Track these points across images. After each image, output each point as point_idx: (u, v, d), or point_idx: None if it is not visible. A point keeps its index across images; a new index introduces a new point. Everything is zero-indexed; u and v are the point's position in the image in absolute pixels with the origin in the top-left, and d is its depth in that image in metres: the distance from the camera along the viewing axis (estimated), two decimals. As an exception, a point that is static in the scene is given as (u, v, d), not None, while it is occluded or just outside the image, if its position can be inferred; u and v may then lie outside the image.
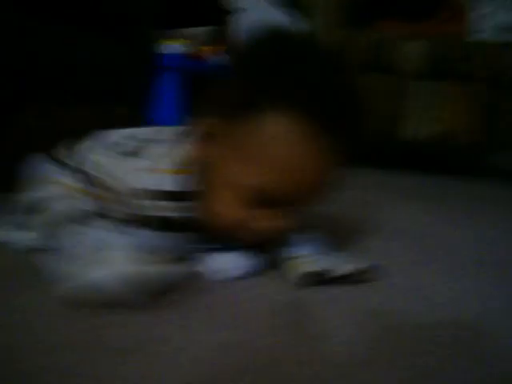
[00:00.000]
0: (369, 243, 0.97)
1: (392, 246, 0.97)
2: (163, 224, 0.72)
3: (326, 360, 0.53)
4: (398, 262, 0.86)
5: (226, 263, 0.71)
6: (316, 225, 0.83)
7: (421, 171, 1.98)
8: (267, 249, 0.75)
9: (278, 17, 1.90)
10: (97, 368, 0.47)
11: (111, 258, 0.60)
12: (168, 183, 0.71)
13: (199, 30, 2.08)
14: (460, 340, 0.60)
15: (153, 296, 0.61)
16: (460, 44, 1.74)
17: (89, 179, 0.72)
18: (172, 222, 0.72)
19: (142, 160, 0.72)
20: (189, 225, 0.72)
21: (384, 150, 2.55)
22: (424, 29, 1.87)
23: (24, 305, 0.59)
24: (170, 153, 0.72)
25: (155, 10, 1.32)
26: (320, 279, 0.71)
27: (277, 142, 0.62)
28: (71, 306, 0.58)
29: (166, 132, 0.76)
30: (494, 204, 1.53)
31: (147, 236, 0.71)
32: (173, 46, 1.86)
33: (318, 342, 0.57)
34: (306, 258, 0.73)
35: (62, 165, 0.74)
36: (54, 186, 0.71)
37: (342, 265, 0.74)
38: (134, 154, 0.73)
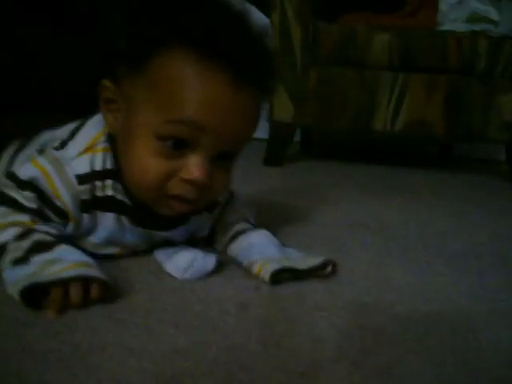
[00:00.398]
0: (329, 237, 0.97)
1: (354, 239, 0.97)
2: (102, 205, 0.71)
3: (293, 358, 0.52)
4: (359, 257, 0.86)
5: (187, 262, 0.70)
6: (276, 221, 0.83)
7: (391, 164, 2.00)
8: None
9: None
10: (56, 373, 0.46)
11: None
12: (98, 162, 0.70)
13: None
14: (433, 333, 0.60)
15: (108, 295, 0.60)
16: (430, 35, 1.74)
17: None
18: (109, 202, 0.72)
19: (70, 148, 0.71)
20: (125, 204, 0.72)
21: (356, 143, 2.57)
22: (393, 20, 1.87)
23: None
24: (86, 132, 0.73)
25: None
26: (287, 276, 0.71)
27: (184, 79, 0.63)
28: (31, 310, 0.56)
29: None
30: (459, 195, 1.55)
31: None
32: None
33: (286, 339, 0.56)
34: (270, 259, 0.72)
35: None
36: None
37: (305, 260, 0.74)
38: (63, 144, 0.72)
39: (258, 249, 0.74)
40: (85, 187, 0.69)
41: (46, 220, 0.68)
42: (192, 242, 0.81)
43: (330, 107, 1.77)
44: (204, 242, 0.84)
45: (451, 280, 0.78)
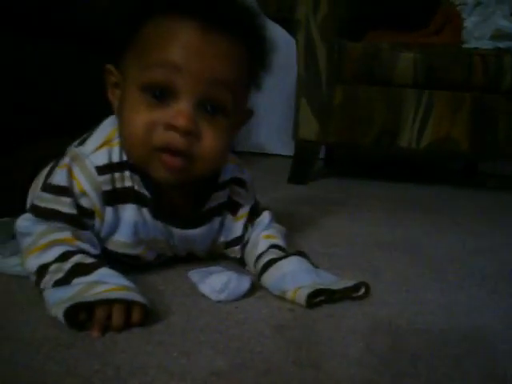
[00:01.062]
0: (358, 257, 0.97)
1: (384, 259, 0.97)
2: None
3: (331, 381, 0.52)
4: (390, 278, 0.86)
5: (222, 283, 0.70)
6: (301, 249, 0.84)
7: (416, 181, 1.99)
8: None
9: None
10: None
11: None
12: (115, 155, 0.73)
13: None
14: (470, 357, 0.59)
15: (147, 319, 0.61)
16: (455, 52, 1.74)
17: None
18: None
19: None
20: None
21: (382, 161, 2.57)
22: (418, 38, 1.87)
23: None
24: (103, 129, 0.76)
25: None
26: (322, 299, 0.71)
27: (159, 32, 0.67)
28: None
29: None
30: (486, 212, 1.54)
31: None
32: None
33: (324, 362, 0.56)
34: (303, 285, 0.72)
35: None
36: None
37: (339, 283, 0.74)
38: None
39: (291, 278, 0.74)
40: (105, 178, 0.71)
41: (84, 226, 0.71)
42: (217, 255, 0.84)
43: (355, 125, 1.78)
44: (236, 261, 0.86)
45: (484, 302, 0.77)
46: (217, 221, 0.82)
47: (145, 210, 0.75)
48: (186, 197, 0.78)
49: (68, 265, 0.64)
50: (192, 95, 0.66)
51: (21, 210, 0.73)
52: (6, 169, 0.92)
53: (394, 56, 1.71)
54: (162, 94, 0.66)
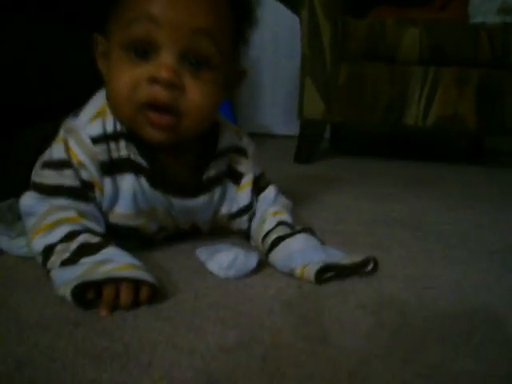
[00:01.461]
0: (366, 234, 0.97)
1: (392, 236, 0.96)
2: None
3: (342, 356, 0.52)
4: (399, 254, 0.85)
5: (229, 260, 0.70)
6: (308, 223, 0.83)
7: (423, 159, 1.98)
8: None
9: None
10: (110, 372, 0.47)
11: None
12: (109, 125, 0.73)
13: None
14: (480, 330, 0.59)
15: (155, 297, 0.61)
16: (461, 28, 1.72)
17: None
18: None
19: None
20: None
21: (389, 139, 2.56)
22: (423, 14, 1.85)
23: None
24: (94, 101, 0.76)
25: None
26: (331, 275, 0.71)
27: None
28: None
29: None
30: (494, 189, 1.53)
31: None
32: None
33: (334, 337, 0.56)
34: (312, 262, 0.72)
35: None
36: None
37: (347, 258, 0.74)
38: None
39: (299, 255, 0.73)
40: (100, 148, 0.72)
41: (88, 199, 0.71)
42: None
43: (360, 103, 1.77)
44: (243, 235, 0.86)
45: (492, 277, 0.76)
46: (218, 190, 0.81)
47: (143, 180, 0.74)
48: (184, 165, 0.78)
49: (74, 244, 0.64)
50: (173, 47, 0.66)
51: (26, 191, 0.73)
52: (8, 151, 0.92)
53: (398, 32, 1.69)
54: (144, 51, 0.66)
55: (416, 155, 2.10)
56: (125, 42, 0.67)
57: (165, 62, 0.66)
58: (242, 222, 0.85)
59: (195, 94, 0.68)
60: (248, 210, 0.84)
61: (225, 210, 0.83)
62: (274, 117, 2.85)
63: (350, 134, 2.61)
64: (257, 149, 0.88)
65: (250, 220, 0.84)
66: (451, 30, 1.70)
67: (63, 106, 0.81)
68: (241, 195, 0.84)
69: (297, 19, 1.81)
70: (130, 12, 0.67)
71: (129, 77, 0.66)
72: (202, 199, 0.79)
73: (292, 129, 2.53)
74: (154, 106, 0.67)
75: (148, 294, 0.60)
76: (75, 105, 0.77)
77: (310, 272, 0.69)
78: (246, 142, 0.86)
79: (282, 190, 0.89)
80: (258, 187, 0.85)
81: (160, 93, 0.66)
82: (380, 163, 1.92)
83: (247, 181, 0.84)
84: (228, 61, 0.72)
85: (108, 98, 0.72)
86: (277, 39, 2.73)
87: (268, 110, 2.86)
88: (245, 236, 0.85)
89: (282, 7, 1.91)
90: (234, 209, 0.84)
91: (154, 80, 0.65)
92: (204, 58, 0.68)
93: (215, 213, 0.83)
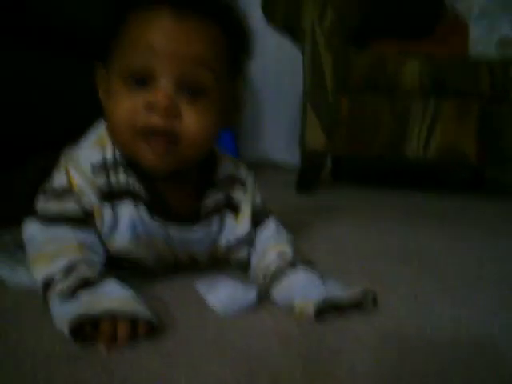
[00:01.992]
0: (366, 268, 0.97)
1: (391, 270, 0.96)
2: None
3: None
4: (397, 289, 0.85)
5: (228, 296, 0.70)
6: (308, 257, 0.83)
7: (424, 190, 1.98)
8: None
9: None
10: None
11: None
12: (108, 152, 0.75)
13: None
14: (481, 361, 0.59)
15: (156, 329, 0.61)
16: (461, 61, 1.74)
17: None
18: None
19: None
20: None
21: (390, 170, 2.56)
22: (423, 46, 1.87)
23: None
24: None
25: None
26: (329, 310, 0.70)
27: (136, 24, 0.69)
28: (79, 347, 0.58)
29: None
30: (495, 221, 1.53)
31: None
32: None
33: (332, 375, 0.55)
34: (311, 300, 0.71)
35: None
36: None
37: (346, 292, 0.74)
38: None
39: (298, 291, 0.73)
40: (99, 175, 0.73)
41: (89, 227, 0.72)
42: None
43: (361, 135, 1.78)
44: (241, 268, 0.85)
45: (495, 313, 0.76)
46: (216, 220, 0.81)
47: (141, 208, 0.75)
48: (182, 193, 0.79)
49: (72, 277, 0.64)
50: (170, 76, 0.68)
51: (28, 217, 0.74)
52: (10, 181, 0.93)
53: (399, 64, 1.71)
54: (142, 79, 0.68)
55: (417, 185, 2.11)
56: (124, 70, 0.69)
57: (161, 88, 0.68)
58: (240, 253, 0.84)
59: (192, 120, 0.69)
60: (247, 240, 0.84)
61: (223, 240, 0.83)
62: (276, 146, 2.86)
63: (351, 164, 2.62)
64: (255, 179, 0.88)
65: (249, 251, 0.84)
66: (451, 63, 1.72)
67: (63, 137, 0.83)
68: (239, 226, 0.84)
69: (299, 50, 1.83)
70: (128, 42, 0.69)
71: (128, 104, 0.69)
72: (199, 228, 0.80)
73: (294, 158, 2.54)
74: (151, 131, 0.68)
75: (145, 330, 0.60)
76: (76, 135, 0.79)
77: (310, 309, 0.69)
78: (244, 173, 0.87)
79: (283, 221, 0.90)
80: (257, 218, 0.85)
81: (157, 119, 0.68)
82: (381, 193, 1.93)
83: (246, 211, 0.84)
84: (225, 88, 0.74)
85: (108, 126, 0.74)
86: (279, 68, 2.76)
87: (270, 139, 2.88)
88: (244, 268, 0.85)
89: (285, 40, 1.94)
90: (233, 239, 0.83)
91: (151, 106, 0.68)
92: (200, 86, 0.70)
93: (213, 243, 0.83)
